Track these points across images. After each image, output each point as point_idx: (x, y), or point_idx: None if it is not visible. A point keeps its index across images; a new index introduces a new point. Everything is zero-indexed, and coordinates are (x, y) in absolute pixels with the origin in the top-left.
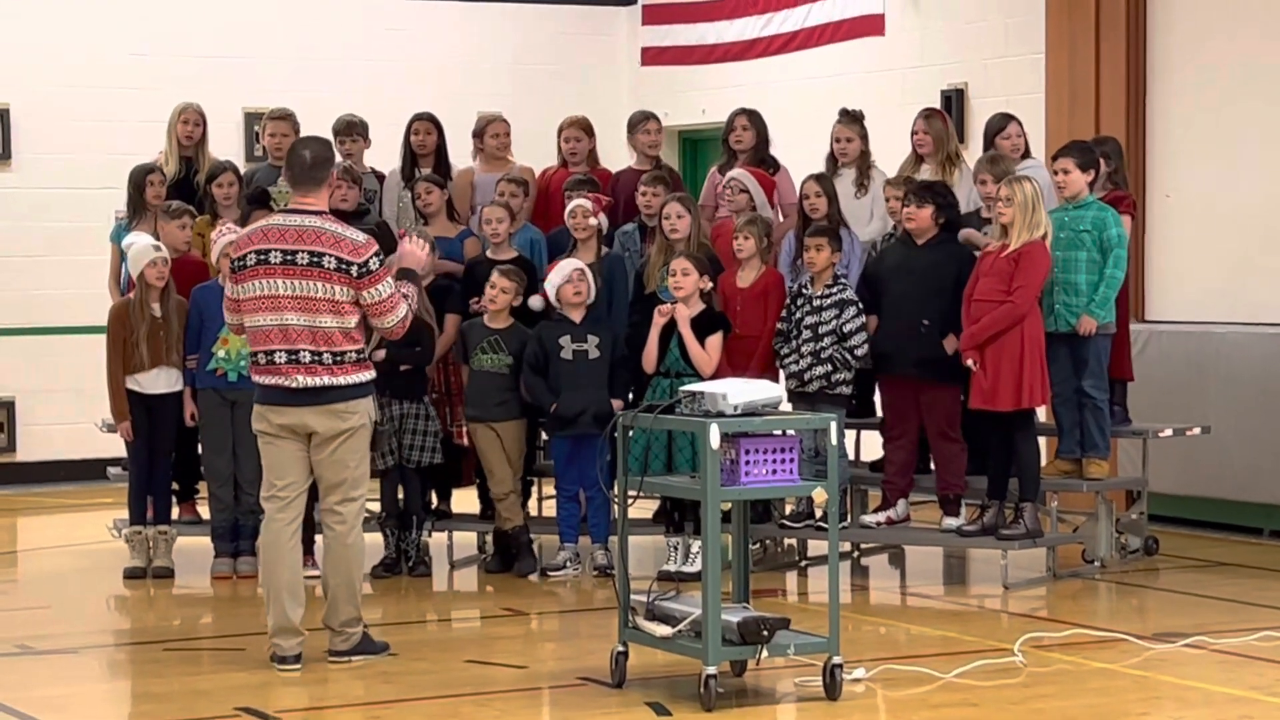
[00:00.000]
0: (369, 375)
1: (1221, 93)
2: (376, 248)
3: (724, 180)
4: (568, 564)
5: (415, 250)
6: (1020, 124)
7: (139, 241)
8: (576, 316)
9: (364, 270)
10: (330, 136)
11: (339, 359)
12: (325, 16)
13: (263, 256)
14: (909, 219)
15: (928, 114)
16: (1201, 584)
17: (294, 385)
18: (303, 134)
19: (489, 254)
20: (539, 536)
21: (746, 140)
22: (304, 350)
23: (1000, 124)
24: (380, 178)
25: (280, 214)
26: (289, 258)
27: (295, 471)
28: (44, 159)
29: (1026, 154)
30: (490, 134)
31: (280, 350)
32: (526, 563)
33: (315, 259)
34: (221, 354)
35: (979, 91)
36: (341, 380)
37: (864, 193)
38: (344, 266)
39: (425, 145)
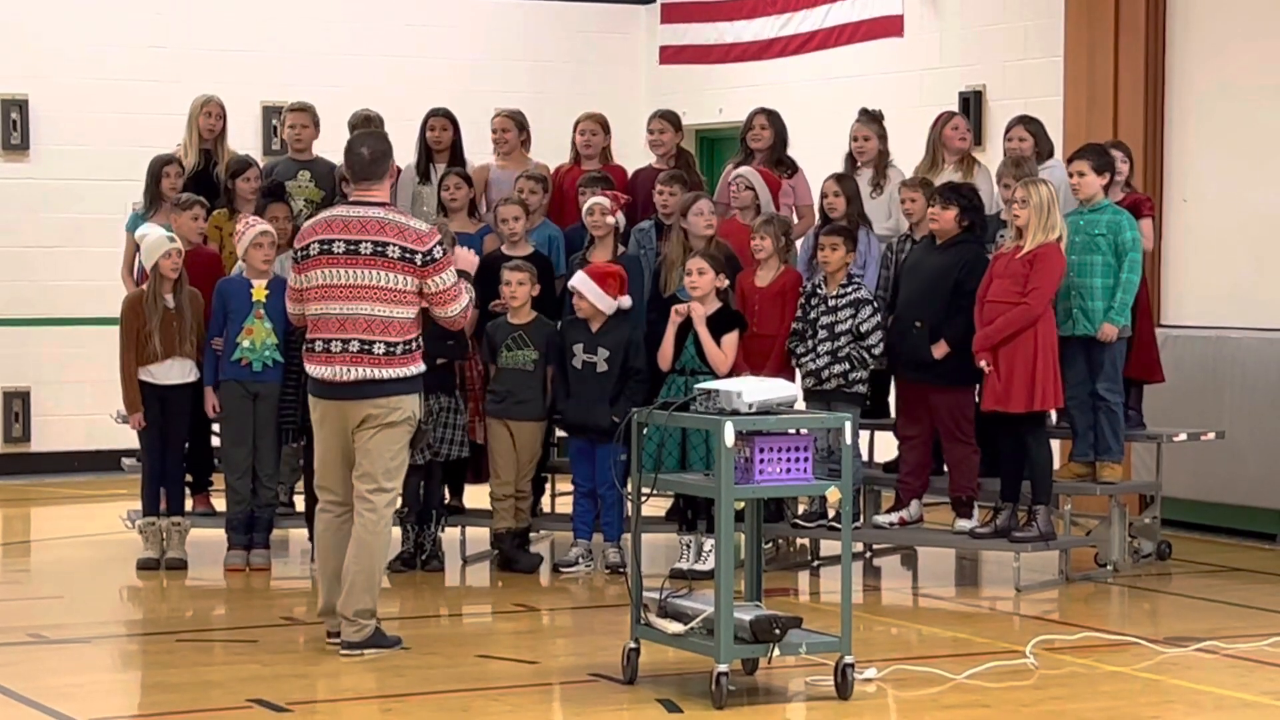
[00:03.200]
0: (419, 369)
1: (1240, 97)
2: (439, 237)
3: (730, 177)
4: (580, 560)
5: (467, 254)
6: (1028, 126)
7: (153, 233)
8: (592, 325)
9: (429, 258)
10: (347, 130)
11: (390, 350)
12: (344, 11)
13: (326, 246)
14: (933, 220)
15: (947, 116)
16: (1214, 589)
17: (343, 378)
18: (321, 127)
19: (504, 249)
20: (552, 532)
21: (764, 139)
22: (355, 340)
23: (1007, 127)
24: (396, 171)
25: (343, 205)
26: (352, 248)
27: (346, 466)
28: (62, 150)
29: (1049, 154)
30: (491, 128)
31: (335, 339)
32: (524, 559)
33: (379, 249)
34: (246, 343)
35: (997, 94)
36: (389, 373)
37: (879, 192)
38: (409, 255)
39: (441, 141)
